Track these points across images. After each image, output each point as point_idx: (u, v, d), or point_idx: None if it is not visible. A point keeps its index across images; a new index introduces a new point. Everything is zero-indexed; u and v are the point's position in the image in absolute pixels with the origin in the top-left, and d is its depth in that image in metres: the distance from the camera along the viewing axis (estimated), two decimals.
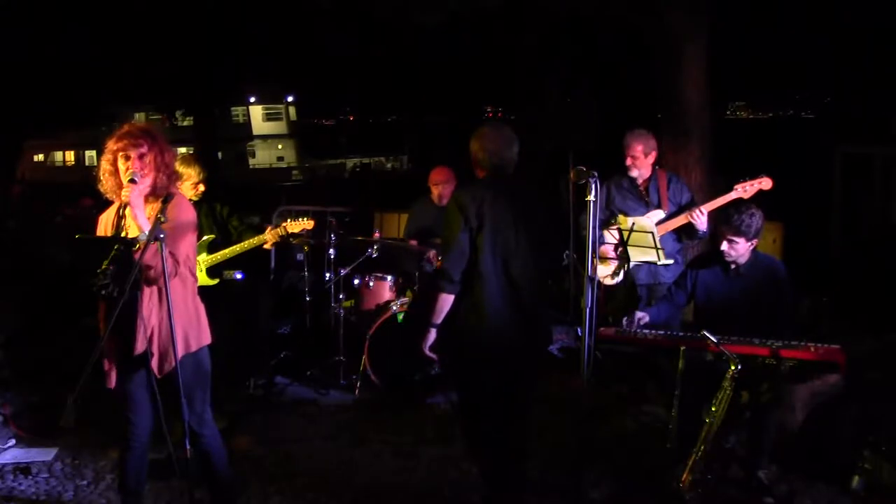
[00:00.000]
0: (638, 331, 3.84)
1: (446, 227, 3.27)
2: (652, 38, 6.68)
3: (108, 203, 3.25)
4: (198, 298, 3.29)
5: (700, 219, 4.57)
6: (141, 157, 3.08)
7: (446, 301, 3.26)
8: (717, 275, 3.93)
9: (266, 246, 4.68)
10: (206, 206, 4.62)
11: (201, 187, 4.55)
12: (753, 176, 4.46)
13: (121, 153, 3.08)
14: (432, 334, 3.33)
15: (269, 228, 4.64)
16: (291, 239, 4.89)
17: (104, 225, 3.23)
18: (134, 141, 3.09)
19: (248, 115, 43.28)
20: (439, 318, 3.29)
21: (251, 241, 4.60)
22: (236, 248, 4.58)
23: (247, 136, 42.82)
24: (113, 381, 3.17)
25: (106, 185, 3.16)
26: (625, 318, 3.92)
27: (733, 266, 3.84)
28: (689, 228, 4.70)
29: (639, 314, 3.91)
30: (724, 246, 3.75)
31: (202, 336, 3.26)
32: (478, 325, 3.26)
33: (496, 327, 3.26)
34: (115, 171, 3.11)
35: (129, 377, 3.19)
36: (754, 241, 3.76)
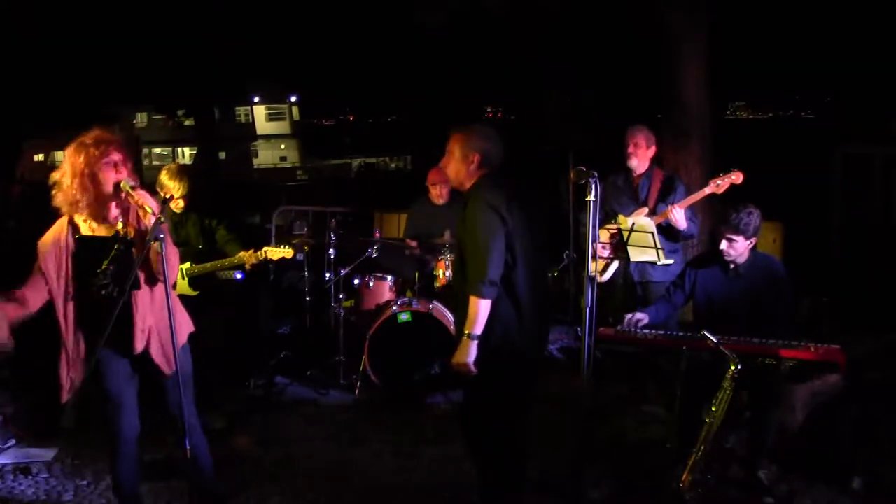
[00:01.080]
0: (638, 331, 3.84)
1: (479, 229, 3.09)
2: (652, 38, 6.69)
3: None
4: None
5: (675, 215, 4.55)
6: (125, 163, 3.03)
7: (487, 308, 3.08)
8: (716, 275, 3.93)
9: (246, 266, 4.67)
10: (195, 216, 4.60)
11: (181, 203, 4.49)
12: (727, 171, 4.51)
13: (104, 161, 2.96)
14: (475, 347, 3.10)
15: (251, 251, 4.64)
16: (293, 240, 4.92)
17: (55, 247, 3.05)
18: (117, 148, 3.01)
19: (251, 114, 43.26)
20: (481, 327, 3.09)
21: (232, 259, 4.60)
22: (217, 264, 4.57)
23: (250, 136, 42.79)
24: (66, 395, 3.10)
25: (82, 201, 2.97)
26: (626, 317, 3.92)
27: (732, 266, 3.85)
28: (670, 228, 4.69)
29: (638, 315, 3.91)
30: (724, 245, 3.76)
31: (184, 336, 3.31)
32: (517, 326, 3.17)
33: (529, 327, 3.21)
34: (97, 184, 2.97)
35: (118, 380, 3.18)
36: (753, 240, 3.77)
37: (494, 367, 3.16)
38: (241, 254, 4.56)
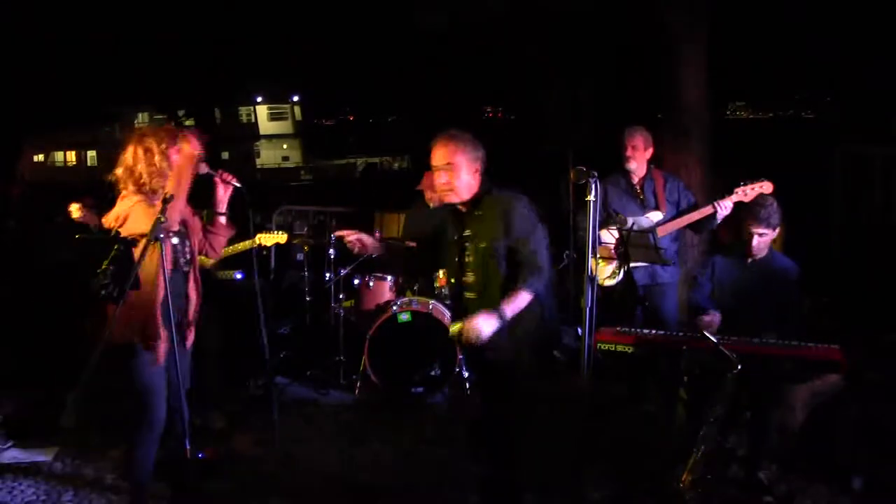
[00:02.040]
0: (638, 331, 3.84)
1: (535, 231, 3.19)
2: (652, 38, 6.68)
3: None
4: None
5: (725, 209, 4.52)
6: None
7: (527, 301, 3.16)
8: (732, 265, 4.00)
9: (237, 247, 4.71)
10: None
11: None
12: (754, 179, 4.45)
13: (177, 146, 3.27)
14: (498, 324, 3.10)
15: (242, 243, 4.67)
16: (294, 240, 4.94)
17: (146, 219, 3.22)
18: None
19: (254, 114, 43.17)
20: (513, 315, 3.14)
21: (226, 249, 4.62)
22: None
23: (253, 136, 42.71)
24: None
25: (157, 184, 3.23)
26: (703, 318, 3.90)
27: (751, 260, 3.89)
28: (697, 222, 4.69)
29: (715, 317, 3.87)
30: (755, 240, 3.82)
31: None
32: (549, 324, 3.28)
33: (554, 325, 3.33)
34: (171, 166, 3.23)
35: (157, 367, 3.25)
36: (777, 231, 3.85)
37: (529, 368, 3.19)
38: (237, 245, 4.58)
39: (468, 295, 3.39)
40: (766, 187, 4.42)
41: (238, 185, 3.42)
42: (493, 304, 3.16)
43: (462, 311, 3.38)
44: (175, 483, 3.59)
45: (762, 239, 3.84)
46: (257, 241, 4.64)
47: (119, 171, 3.26)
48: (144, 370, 3.21)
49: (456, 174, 3.22)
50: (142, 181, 3.22)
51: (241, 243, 4.65)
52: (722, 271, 4.04)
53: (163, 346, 3.20)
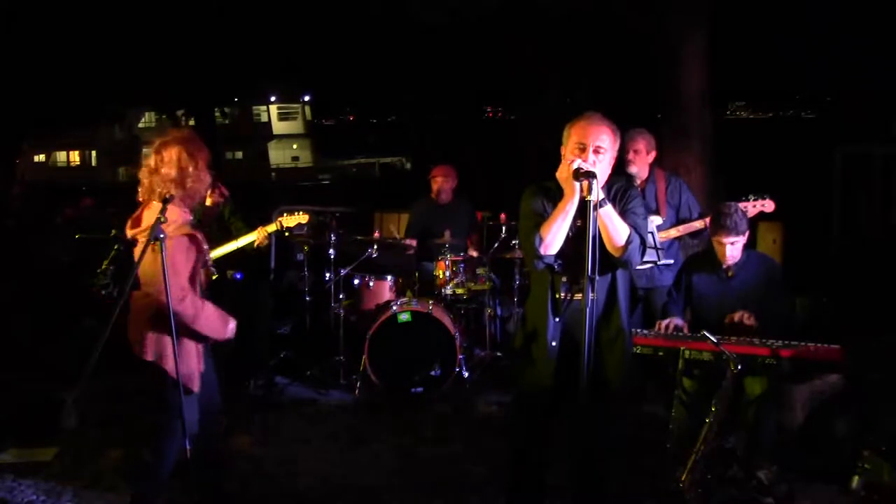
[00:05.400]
0: (638, 331, 3.85)
1: None
2: (652, 38, 6.69)
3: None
4: None
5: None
6: None
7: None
8: (709, 277, 3.98)
9: (257, 242, 4.68)
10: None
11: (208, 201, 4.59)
12: (758, 196, 4.38)
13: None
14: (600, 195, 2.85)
15: (259, 227, 4.66)
16: (289, 235, 4.93)
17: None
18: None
19: (267, 114, 43.04)
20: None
21: (244, 237, 4.62)
22: (231, 243, 4.58)
23: (268, 136, 42.57)
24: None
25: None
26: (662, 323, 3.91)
27: (725, 266, 3.88)
28: (692, 233, 4.72)
29: (676, 321, 3.91)
30: (728, 251, 3.80)
31: None
32: None
33: None
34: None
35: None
36: (746, 234, 3.83)
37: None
38: (253, 233, 4.57)
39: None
40: (769, 206, 4.37)
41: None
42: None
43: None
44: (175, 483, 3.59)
45: (734, 247, 3.82)
46: (277, 225, 4.61)
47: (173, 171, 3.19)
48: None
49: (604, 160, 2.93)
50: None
51: (263, 228, 4.64)
52: (699, 287, 4.00)
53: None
